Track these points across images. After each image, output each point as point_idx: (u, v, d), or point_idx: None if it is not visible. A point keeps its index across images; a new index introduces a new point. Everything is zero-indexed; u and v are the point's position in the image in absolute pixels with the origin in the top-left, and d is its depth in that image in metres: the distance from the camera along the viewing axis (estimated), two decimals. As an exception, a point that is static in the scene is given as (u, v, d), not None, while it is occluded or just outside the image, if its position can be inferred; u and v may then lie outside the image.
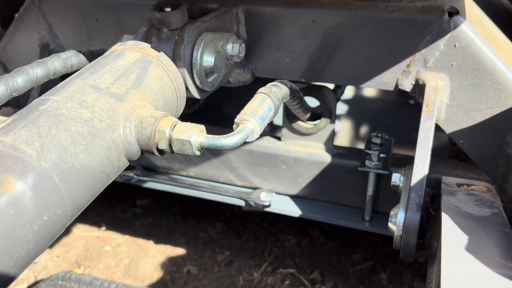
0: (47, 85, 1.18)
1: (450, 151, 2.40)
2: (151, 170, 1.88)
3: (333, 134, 1.62)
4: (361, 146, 2.40)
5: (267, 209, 1.69)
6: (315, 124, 1.63)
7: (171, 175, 1.85)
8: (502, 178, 1.35)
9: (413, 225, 1.16)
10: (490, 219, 0.98)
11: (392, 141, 1.57)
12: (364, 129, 2.57)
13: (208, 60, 1.25)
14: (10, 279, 0.74)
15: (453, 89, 1.32)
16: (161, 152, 0.98)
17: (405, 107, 2.57)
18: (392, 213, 1.21)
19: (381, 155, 1.50)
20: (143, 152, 0.98)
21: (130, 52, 1.06)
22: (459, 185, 1.14)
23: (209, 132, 0.98)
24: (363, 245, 2.07)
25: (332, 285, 1.87)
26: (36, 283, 1.87)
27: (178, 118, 1.15)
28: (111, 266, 2.02)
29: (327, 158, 1.60)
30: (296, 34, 1.42)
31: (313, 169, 1.63)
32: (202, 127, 0.97)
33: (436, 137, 1.61)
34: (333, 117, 1.60)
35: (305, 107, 1.49)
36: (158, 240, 2.15)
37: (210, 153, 1.74)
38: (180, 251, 2.08)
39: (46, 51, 1.70)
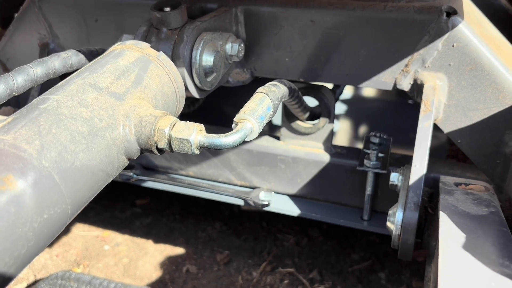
0: (47, 85, 1.19)
1: (449, 150, 2.41)
2: (151, 170, 1.88)
3: (331, 133, 1.63)
4: (360, 145, 2.41)
5: (266, 209, 1.69)
6: (314, 124, 1.64)
7: (170, 175, 1.85)
8: (500, 178, 1.36)
9: (411, 224, 1.16)
10: (488, 218, 0.98)
11: (391, 140, 1.58)
12: (363, 129, 2.58)
13: (207, 59, 1.25)
14: (10, 277, 0.74)
15: (451, 88, 1.32)
16: (160, 151, 0.98)
17: (403, 107, 2.57)
18: (390, 212, 1.21)
19: (380, 155, 1.51)
20: (142, 151, 0.98)
21: (130, 52, 1.06)
22: (457, 184, 1.15)
23: (208, 131, 0.98)
24: (361, 245, 2.07)
25: (331, 284, 1.87)
26: (35, 282, 1.88)
27: (177, 118, 1.15)
28: (110, 265, 2.02)
29: (325, 158, 1.61)
30: (295, 34, 1.42)
31: (312, 169, 1.63)
32: (201, 126, 0.97)
33: (434, 136, 1.61)
34: (331, 116, 1.61)
35: (304, 107, 1.49)
36: (157, 240, 2.15)
37: (210, 152, 1.75)
38: (179, 250, 2.09)
39: (46, 50, 1.70)
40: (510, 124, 1.30)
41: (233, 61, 1.38)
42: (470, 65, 1.28)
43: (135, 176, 1.82)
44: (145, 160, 1.87)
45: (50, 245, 2.12)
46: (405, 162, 1.50)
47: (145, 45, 1.09)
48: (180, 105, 1.15)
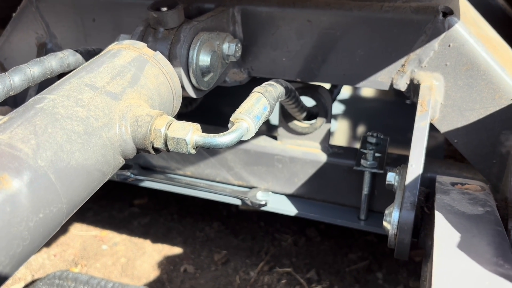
0: (44, 84, 1.19)
1: (447, 150, 2.41)
2: (148, 169, 1.89)
3: (329, 133, 1.63)
4: (357, 145, 2.41)
5: (263, 208, 1.70)
6: (311, 124, 1.64)
7: (168, 174, 1.86)
8: (496, 177, 1.36)
9: (407, 223, 1.17)
10: (483, 218, 0.99)
11: (388, 140, 1.58)
12: (360, 129, 2.58)
13: (204, 59, 1.26)
14: (6, 276, 0.74)
15: (448, 88, 1.33)
16: (156, 150, 0.98)
17: (401, 106, 2.58)
18: (386, 212, 1.22)
19: (376, 155, 1.51)
20: (138, 150, 0.99)
21: (126, 51, 1.06)
22: (453, 184, 1.15)
23: (206, 131, 0.99)
24: (359, 245, 2.07)
25: (328, 284, 1.88)
26: (33, 282, 1.88)
27: (174, 117, 1.16)
28: (108, 265, 2.02)
29: (323, 158, 1.61)
30: (292, 34, 1.43)
31: (309, 168, 1.64)
32: (197, 126, 0.97)
33: (432, 136, 1.62)
34: (329, 116, 1.61)
35: (301, 107, 1.50)
36: (155, 239, 2.15)
37: (207, 152, 1.75)
38: (177, 250, 2.09)
39: (43, 50, 1.70)
40: (507, 124, 1.31)
41: (230, 61, 1.38)
42: (466, 65, 1.29)
43: (132, 175, 1.83)
44: (143, 159, 1.87)
45: (48, 244, 2.12)
46: (402, 162, 1.50)
47: (142, 45, 1.09)
48: (177, 104, 1.16)
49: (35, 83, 1.12)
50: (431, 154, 1.41)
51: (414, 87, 1.36)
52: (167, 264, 2.02)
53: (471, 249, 0.86)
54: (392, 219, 1.19)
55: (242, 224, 2.22)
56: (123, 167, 1.83)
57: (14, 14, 1.75)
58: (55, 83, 0.96)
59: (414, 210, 1.16)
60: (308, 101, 1.58)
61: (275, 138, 1.71)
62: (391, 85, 1.39)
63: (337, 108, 2.65)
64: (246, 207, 2.04)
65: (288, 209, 1.68)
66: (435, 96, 1.32)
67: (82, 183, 0.87)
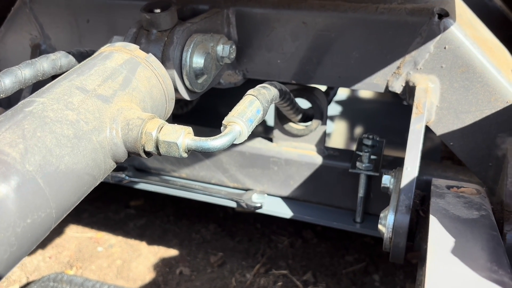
0: (39, 86, 1.18)
1: (444, 152, 2.40)
2: (143, 171, 1.88)
3: (324, 135, 1.62)
4: (353, 147, 2.40)
5: (258, 211, 1.69)
6: (306, 126, 1.63)
7: (163, 176, 1.85)
8: (492, 180, 1.35)
9: (402, 227, 1.16)
10: (478, 222, 0.98)
11: (384, 142, 1.57)
12: (357, 131, 2.58)
13: (198, 61, 1.25)
14: (-7, 282, 0.73)
15: (443, 91, 1.32)
16: (148, 154, 0.97)
17: (398, 108, 2.56)
18: (382, 215, 1.21)
19: (372, 157, 1.50)
20: (130, 154, 0.98)
21: (118, 54, 1.05)
22: (448, 187, 1.14)
23: (201, 133, 0.98)
24: (356, 247, 2.07)
25: (324, 286, 1.87)
26: (27, 284, 1.87)
27: (168, 120, 1.15)
28: (103, 267, 2.01)
29: (318, 160, 1.60)
30: (287, 36, 1.42)
31: (305, 171, 1.63)
32: (189, 129, 0.96)
33: (428, 138, 1.61)
34: (324, 118, 1.60)
35: (296, 109, 1.49)
36: (151, 241, 2.14)
37: (202, 154, 1.74)
38: (173, 252, 2.08)
39: (37, 51, 1.69)
40: (503, 127, 1.30)
41: (224, 63, 1.37)
42: (462, 67, 1.28)
43: (127, 177, 1.82)
44: (138, 161, 1.86)
45: (43, 246, 2.11)
46: (398, 164, 1.49)
47: (134, 47, 1.08)
48: (170, 107, 1.15)
49: (27, 85, 1.11)
50: (428, 155, 1.41)
51: (409, 90, 1.35)
52: (163, 266, 2.01)
53: (465, 254, 0.85)
54: (387, 223, 1.18)
55: (239, 226, 2.21)
56: (118, 169, 1.82)
57: (8, 15, 1.74)
58: (46, 86, 0.95)
59: (409, 214, 1.15)
60: (304, 103, 1.57)
61: (270, 140, 1.70)
62: (387, 87, 1.38)
63: (333, 110, 2.64)
64: (242, 209, 2.03)
65: (284, 211, 1.67)
66: (430, 99, 1.31)
67: (72, 187, 0.86)
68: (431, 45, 1.28)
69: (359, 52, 1.37)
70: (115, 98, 0.97)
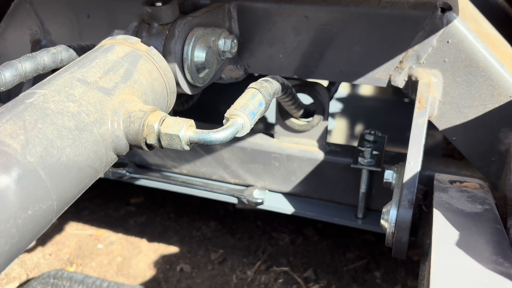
0: (39, 80, 1.17)
1: (445, 149, 2.39)
2: (144, 167, 1.87)
3: (326, 131, 1.61)
4: (355, 143, 2.40)
5: (260, 207, 1.68)
6: (308, 121, 1.62)
7: (163, 173, 1.84)
8: (495, 175, 1.34)
9: (405, 222, 1.15)
10: (482, 216, 0.97)
11: (386, 138, 1.57)
12: (358, 127, 2.57)
13: (199, 55, 1.24)
14: (-6, 274, 0.73)
15: (446, 85, 1.31)
16: (149, 147, 0.96)
17: (399, 104, 2.56)
18: (384, 210, 1.20)
19: (374, 152, 1.49)
20: (131, 147, 0.97)
21: (120, 46, 1.04)
22: (451, 182, 1.14)
23: (203, 128, 0.97)
24: (357, 244, 2.06)
25: (325, 283, 1.86)
26: (27, 281, 1.86)
27: (170, 114, 1.14)
28: (103, 264, 2.01)
29: (320, 155, 1.60)
30: (289, 30, 1.41)
31: (306, 167, 1.62)
32: (191, 122, 0.96)
33: (430, 135, 1.60)
34: (326, 114, 1.59)
35: (298, 104, 1.48)
36: (151, 238, 2.14)
37: (203, 150, 1.73)
38: (173, 249, 2.07)
39: (37, 47, 1.68)
40: (505, 121, 1.29)
41: (226, 57, 1.36)
42: (465, 62, 1.27)
43: (128, 174, 1.81)
44: (138, 157, 1.85)
45: (43, 243, 2.11)
46: (400, 159, 1.48)
47: (135, 40, 1.07)
48: (171, 101, 1.14)
49: (27, 78, 1.10)
50: (429, 152, 1.40)
51: (412, 84, 1.34)
52: (164, 263, 2.00)
53: (470, 248, 0.85)
54: (390, 218, 1.17)
55: (239, 223, 2.20)
56: (118, 165, 1.82)
57: (8, 11, 1.73)
58: (46, 78, 0.94)
59: (412, 208, 1.14)
60: (305, 99, 1.57)
61: (272, 136, 1.69)
62: (389, 82, 1.37)
63: (335, 105, 2.63)
64: (243, 206, 2.02)
65: (285, 207, 1.67)
66: (433, 93, 1.31)
67: (73, 179, 0.85)
68: (434, 39, 1.27)
69: (361, 46, 1.36)
70: (116, 90, 0.96)
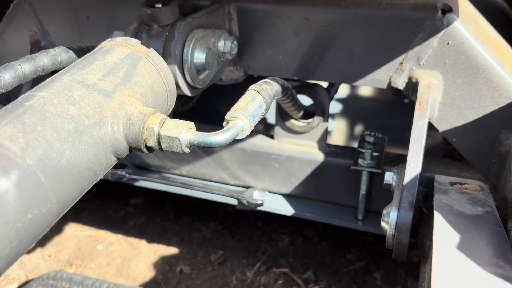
0: (38, 82, 1.17)
1: (445, 150, 2.39)
2: (144, 169, 1.86)
3: (326, 132, 1.61)
4: (355, 145, 2.40)
5: (259, 208, 1.68)
6: (308, 123, 1.62)
7: (163, 174, 1.84)
8: (495, 177, 1.34)
9: (405, 224, 1.15)
10: (482, 218, 0.97)
11: (386, 139, 1.56)
12: (358, 128, 2.57)
13: (199, 57, 1.24)
14: (-7, 277, 0.72)
15: (446, 87, 1.31)
16: (149, 149, 0.96)
17: (399, 106, 2.56)
18: (384, 212, 1.20)
19: (374, 154, 1.49)
20: (131, 149, 0.97)
21: (119, 48, 1.04)
22: (452, 183, 1.14)
23: (203, 130, 0.96)
24: (357, 245, 2.06)
25: (325, 284, 1.86)
26: (27, 282, 1.85)
27: (169, 116, 1.13)
28: (103, 265, 2.00)
29: (320, 157, 1.59)
30: (289, 32, 1.41)
31: (306, 168, 1.62)
32: (191, 124, 0.95)
33: (430, 136, 1.60)
34: (326, 115, 1.59)
35: (298, 105, 1.48)
36: (151, 240, 2.13)
37: (203, 151, 1.73)
38: (173, 250, 2.07)
39: (37, 48, 1.68)
40: (506, 123, 1.29)
41: (226, 58, 1.36)
42: (465, 63, 1.27)
43: (127, 175, 1.80)
44: (138, 159, 1.85)
45: (43, 244, 2.10)
46: (400, 161, 1.48)
47: (135, 42, 1.07)
48: (171, 102, 1.13)
49: (26, 80, 1.10)
50: (429, 154, 1.40)
51: (412, 86, 1.34)
52: (163, 264, 2.00)
53: (470, 250, 0.84)
54: (390, 219, 1.17)
55: (239, 224, 2.20)
56: (118, 167, 1.81)
57: (7, 12, 1.73)
58: (46, 80, 0.94)
59: (412, 210, 1.14)
60: (305, 100, 1.56)
61: (271, 137, 1.69)
62: (389, 83, 1.37)
63: (335, 107, 2.63)
64: (243, 207, 2.02)
65: (285, 209, 1.66)
66: (433, 95, 1.31)
67: (73, 182, 0.85)
68: (434, 41, 1.27)
69: (361, 48, 1.36)
70: (116, 92, 0.95)
